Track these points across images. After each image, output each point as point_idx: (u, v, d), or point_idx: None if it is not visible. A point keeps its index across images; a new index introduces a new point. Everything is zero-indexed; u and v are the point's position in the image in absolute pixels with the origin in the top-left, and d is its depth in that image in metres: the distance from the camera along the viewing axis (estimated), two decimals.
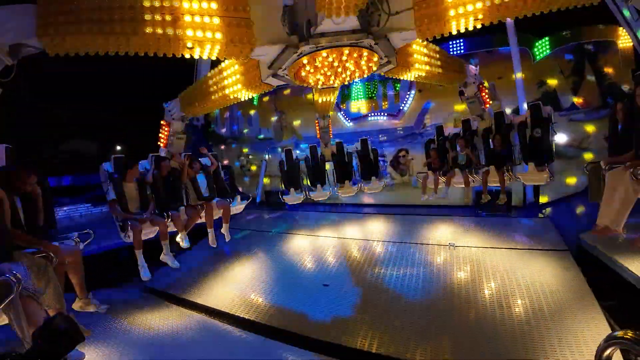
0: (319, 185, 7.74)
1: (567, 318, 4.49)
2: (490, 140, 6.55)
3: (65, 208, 12.60)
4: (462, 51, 11.36)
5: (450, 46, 11.35)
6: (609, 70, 10.27)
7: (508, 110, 9.94)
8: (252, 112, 16.71)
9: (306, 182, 7.91)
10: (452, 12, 3.47)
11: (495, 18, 3.52)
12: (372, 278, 6.47)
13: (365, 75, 4.42)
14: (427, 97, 12.68)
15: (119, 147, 21.14)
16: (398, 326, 5.02)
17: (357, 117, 14.05)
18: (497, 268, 5.89)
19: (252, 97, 17.57)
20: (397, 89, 13.32)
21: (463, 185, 7.16)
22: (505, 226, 7.75)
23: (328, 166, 8.07)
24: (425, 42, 5.14)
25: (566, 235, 6.63)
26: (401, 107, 13.10)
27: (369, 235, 8.54)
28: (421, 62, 5.23)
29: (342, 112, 14.13)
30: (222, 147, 17.16)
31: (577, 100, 10.49)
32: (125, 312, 6.34)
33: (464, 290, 5.52)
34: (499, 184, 6.52)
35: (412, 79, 5.50)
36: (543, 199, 10.10)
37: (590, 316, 4.44)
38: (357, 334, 5.01)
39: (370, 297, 5.96)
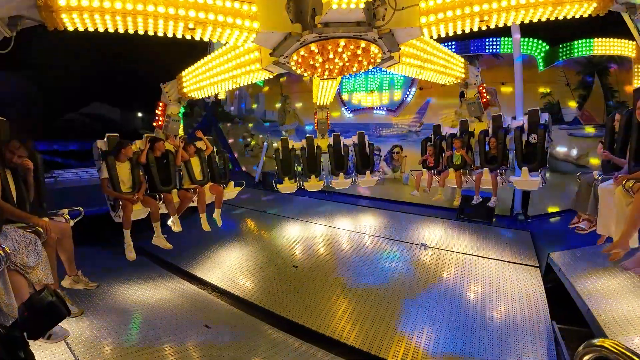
0: (313, 176, 7.74)
1: (516, 331, 4.63)
2: (486, 142, 6.58)
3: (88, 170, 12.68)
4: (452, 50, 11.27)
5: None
6: (619, 88, 9.78)
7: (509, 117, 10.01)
8: (260, 93, 17.07)
9: (298, 169, 7.93)
10: (458, 12, 3.44)
11: (500, 21, 3.52)
12: (347, 268, 6.67)
13: (366, 69, 4.39)
14: (427, 95, 12.62)
15: (140, 114, 21.84)
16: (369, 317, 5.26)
17: (357, 110, 14.07)
18: (465, 272, 6.06)
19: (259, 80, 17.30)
20: (399, 84, 13.21)
21: (455, 186, 7.21)
22: (485, 234, 7.84)
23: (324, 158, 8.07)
24: (428, 40, 5.11)
25: (542, 250, 6.71)
26: (400, 103, 13.09)
27: (355, 226, 8.81)
28: (424, 59, 5.21)
29: (343, 104, 14.16)
30: (229, 124, 17.56)
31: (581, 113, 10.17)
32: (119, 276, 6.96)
33: (433, 289, 5.71)
34: (491, 187, 6.58)
35: (414, 76, 5.49)
36: (553, 209, 9.89)
37: (539, 334, 4.57)
38: (332, 322, 5.27)
39: (347, 287, 6.21)
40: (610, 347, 1.50)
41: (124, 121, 21.10)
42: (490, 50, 10.79)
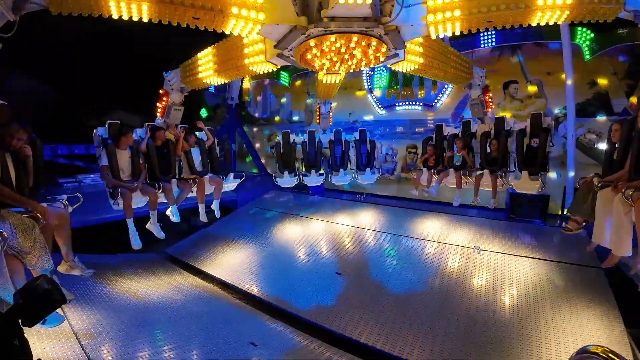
0: (313, 171, 7.74)
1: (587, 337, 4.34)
2: (488, 144, 6.57)
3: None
4: (493, 43, 10.62)
5: (481, 38, 10.62)
6: None
7: (556, 110, 9.66)
8: (285, 93, 16.55)
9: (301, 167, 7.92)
10: (467, 12, 3.41)
11: (507, 23, 3.49)
12: (400, 276, 6.41)
13: (371, 65, 4.36)
14: (467, 88, 11.95)
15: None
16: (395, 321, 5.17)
17: (390, 105, 13.25)
18: (519, 276, 5.70)
19: (285, 79, 17.24)
20: None
21: (455, 186, 7.21)
22: (539, 233, 7.39)
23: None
24: (435, 38, 5.08)
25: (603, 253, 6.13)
26: (438, 98, 12.15)
27: (401, 230, 8.28)
28: (429, 57, 5.18)
29: (374, 99, 13.44)
30: (255, 129, 17.15)
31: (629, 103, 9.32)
32: (141, 275, 6.88)
33: (481, 296, 5.40)
34: (490, 188, 6.59)
35: (418, 74, 5.46)
36: None
37: (614, 340, 4.25)
38: (352, 324, 5.22)
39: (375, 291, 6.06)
40: (602, 354, 1.51)
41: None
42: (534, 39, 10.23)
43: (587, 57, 9.64)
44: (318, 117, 7.85)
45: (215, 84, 5.52)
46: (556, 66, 9.57)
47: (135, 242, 4.99)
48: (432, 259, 6.73)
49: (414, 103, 12.57)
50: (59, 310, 1.91)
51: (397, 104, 13.00)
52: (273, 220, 10.27)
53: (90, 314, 5.09)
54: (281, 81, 16.09)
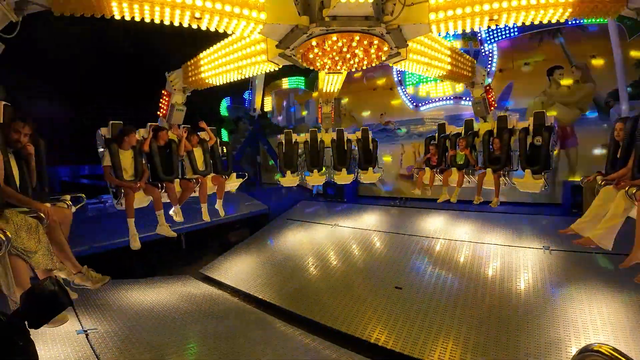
0: (315, 170, 7.73)
1: None
2: (490, 143, 6.54)
3: None
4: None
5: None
6: None
7: (607, 92, 9.20)
8: (310, 100, 16.27)
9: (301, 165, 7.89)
10: (468, 10, 3.40)
11: (510, 20, 3.47)
12: (465, 281, 6.33)
13: (373, 64, 4.35)
14: (509, 78, 11.12)
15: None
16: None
17: (425, 102, 12.69)
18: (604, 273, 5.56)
19: (300, 83, 16.93)
20: None
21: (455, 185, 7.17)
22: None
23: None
24: (436, 37, 5.06)
25: None
26: None
27: (455, 234, 8.22)
28: (431, 56, 5.16)
29: (407, 97, 12.98)
30: (279, 137, 17.29)
31: None
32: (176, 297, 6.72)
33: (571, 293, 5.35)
34: (493, 187, 6.56)
35: (421, 73, 5.44)
36: None
37: None
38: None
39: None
40: (606, 352, 1.50)
41: None
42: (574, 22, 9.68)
43: (630, 37, 9.08)
44: (320, 117, 7.83)
45: (217, 84, 5.52)
46: (600, 49, 9.18)
47: (135, 243, 4.98)
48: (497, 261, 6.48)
49: (452, 98, 11.90)
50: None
51: (432, 101, 12.39)
52: (305, 232, 10.12)
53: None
54: (305, 87, 15.96)
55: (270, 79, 17.29)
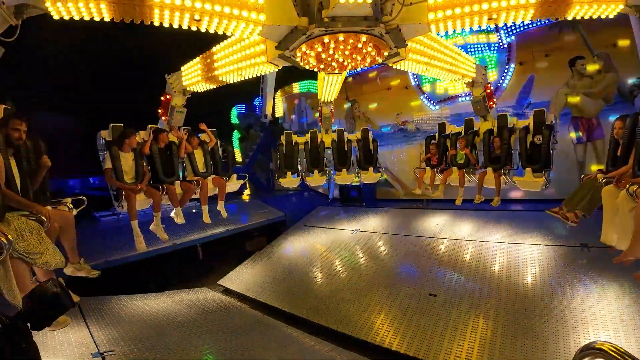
0: (315, 171, 7.74)
1: None
2: (491, 142, 6.54)
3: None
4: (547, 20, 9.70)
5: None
6: None
7: (631, 80, 9.02)
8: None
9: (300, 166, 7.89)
10: (467, 9, 3.40)
11: (509, 19, 3.48)
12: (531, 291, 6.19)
13: (373, 64, 4.35)
14: (530, 71, 10.74)
15: None
16: None
17: (443, 100, 12.39)
18: None
19: (315, 87, 16.83)
20: (493, 63, 11.32)
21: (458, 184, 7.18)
22: None
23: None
24: (436, 36, 5.07)
25: None
26: (499, 84, 11.08)
27: (511, 238, 7.99)
28: (430, 56, 5.16)
29: (425, 96, 12.71)
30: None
31: None
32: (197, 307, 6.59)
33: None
34: (494, 186, 6.55)
35: (420, 73, 5.44)
36: None
37: None
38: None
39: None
40: (608, 350, 1.50)
41: None
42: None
43: None
44: (320, 118, 7.84)
45: (217, 86, 5.53)
46: (621, 36, 8.81)
47: (140, 244, 5.00)
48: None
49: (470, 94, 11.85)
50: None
51: (450, 98, 12.06)
52: (324, 238, 9.87)
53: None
54: (312, 90, 15.81)
55: (281, 84, 17.22)
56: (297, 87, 17.40)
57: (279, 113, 17.91)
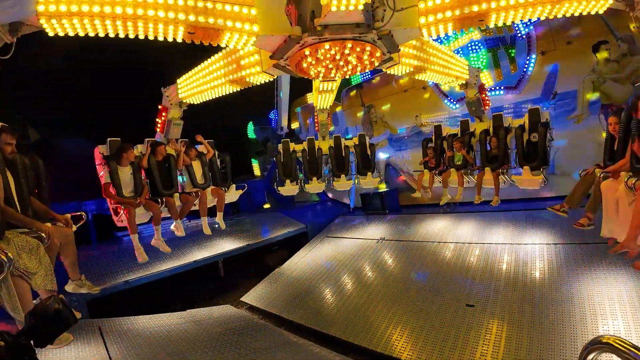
0: (314, 178, 7.75)
1: None
2: (487, 142, 6.59)
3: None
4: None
5: None
6: None
7: None
8: (337, 109, 15.55)
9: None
10: (457, 12, 3.45)
11: (500, 20, 3.53)
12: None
13: (367, 70, 4.40)
14: (552, 60, 10.22)
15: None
16: None
17: (464, 97, 12.26)
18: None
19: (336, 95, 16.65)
20: (512, 54, 10.82)
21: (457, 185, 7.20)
22: None
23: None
24: (428, 40, 5.13)
25: None
26: (521, 76, 10.67)
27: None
28: (423, 59, 5.22)
29: (444, 96, 12.49)
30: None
31: None
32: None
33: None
34: (493, 186, 6.57)
35: (414, 76, 5.50)
36: None
37: None
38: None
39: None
40: (615, 344, 1.49)
41: None
42: None
43: None
44: (317, 125, 7.88)
45: (213, 97, 5.56)
46: None
47: (141, 257, 4.99)
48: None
49: (494, 88, 11.03)
50: None
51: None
52: (347, 249, 9.60)
53: None
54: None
55: (295, 95, 17.27)
56: (311, 98, 17.19)
57: (295, 125, 17.91)
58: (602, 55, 8.68)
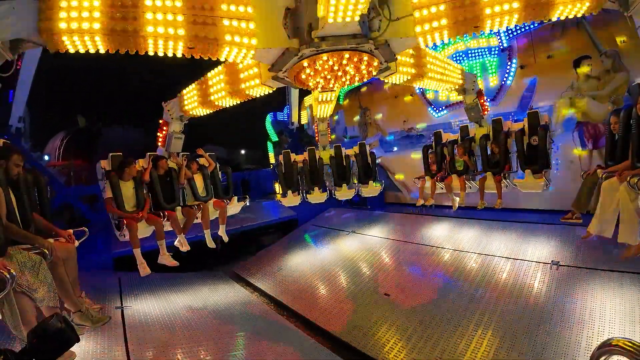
0: (316, 188, 7.74)
1: None
2: (488, 146, 6.59)
3: None
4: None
5: None
6: None
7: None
8: (339, 110, 16.68)
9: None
10: (452, 19, 3.50)
11: (495, 26, 3.57)
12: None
13: (364, 80, 4.44)
14: (531, 74, 10.25)
15: (242, 151, 27.81)
16: None
17: (447, 106, 12.58)
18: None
19: (339, 96, 17.70)
20: (494, 68, 11.03)
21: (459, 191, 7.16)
22: None
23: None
24: (424, 48, 5.19)
25: None
26: (499, 89, 10.90)
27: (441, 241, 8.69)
28: (420, 67, 5.27)
29: (428, 104, 13.11)
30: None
31: None
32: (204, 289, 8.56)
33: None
34: (495, 191, 6.54)
35: (411, 84, 5.54)
36: None
37: None
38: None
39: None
40: (624, 346, 1.47)
41: (229, 157, 26.50)
42: None
43: None
44: (317, 135, 7.92)
45: (213, 111, 5.61)
46: (632, 32, 8.16)
47: (144, 271, 4.95)
48: None
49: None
50: None
51: (453, 105, 12.07)
52: (329, 238, 11.09)
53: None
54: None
55: (305, 92, 18.28)
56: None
57: (304, 120, 19.03)
58: (583, 70, 8.56)
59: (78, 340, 1.55)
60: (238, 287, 9.04)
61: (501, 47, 10.96)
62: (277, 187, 7.68)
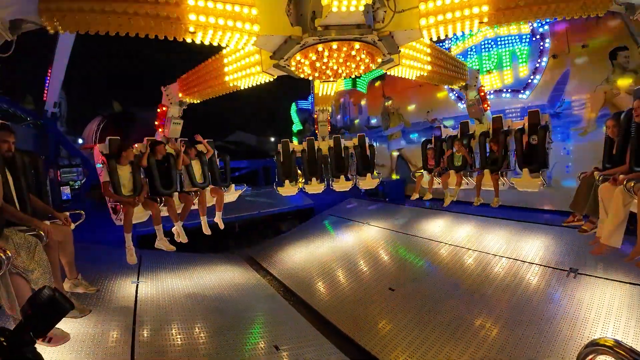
0: (314, 179, 7.74)
1: None
2: (487, 144, 6.59)
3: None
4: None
5: None
6: None
7: None
8: (362, 101, 16.47)
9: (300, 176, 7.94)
10: (457, 14, 3.46)
11: (500, 22, 3.54)
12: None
13: (368, 71, 4.40)
14: (564, 65, 9.46)
15: (272, 139, 27.94)
16: None
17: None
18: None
19: (362, 86, 17.25)
20: (524, 57, 10.33)
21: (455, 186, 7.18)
22: None
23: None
24: (428, 42, 5.14)
25: None
26: (530, 80, 10.16)
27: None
28: (423, 61, 5.23)
29: (454, 93, 12.45)
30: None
31: None
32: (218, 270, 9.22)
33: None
34: (492, 188, 6.57)
35: (413, 78, 5.50)
36: None
37: None
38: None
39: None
40: (613, 347, 1.50)
41: (259, 145, 27.38)
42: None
43: None
44: (316, 125, 7.88)
45: (213, 97, 5.56)
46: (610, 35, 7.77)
47: (131, 257, 4.95)
48: None
49: (503, 90, 10.90)
50: None
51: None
52: (344, 228, 11.51)
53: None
54: (359, 88, 16.22)
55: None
56: (341, 84, 17.78)
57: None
58: (620, 63, 8.14)
59: (72, 307, 1.56)
60: (251, 270, 9.67)
61: (534, 35, 10.11)
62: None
